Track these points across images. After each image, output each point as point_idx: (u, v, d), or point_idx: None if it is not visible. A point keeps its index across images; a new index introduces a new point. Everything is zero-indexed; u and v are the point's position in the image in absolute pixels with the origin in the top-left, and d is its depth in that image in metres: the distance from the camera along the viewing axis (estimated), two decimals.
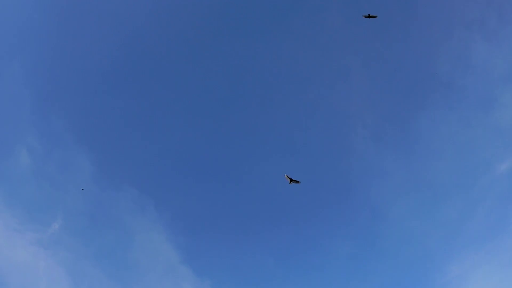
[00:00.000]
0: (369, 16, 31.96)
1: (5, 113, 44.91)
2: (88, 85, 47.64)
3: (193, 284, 51.25)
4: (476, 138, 74.35)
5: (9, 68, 44.89)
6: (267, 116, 51.73)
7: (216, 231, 56.97)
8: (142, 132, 49.33)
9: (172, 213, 50.83)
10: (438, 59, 57.45)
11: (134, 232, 46.91)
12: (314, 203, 59.57)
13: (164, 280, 47.67)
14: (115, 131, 48.28)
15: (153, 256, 46.97)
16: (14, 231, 42.36)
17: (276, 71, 52.53)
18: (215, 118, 51.56)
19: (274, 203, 57.37)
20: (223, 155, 51.66)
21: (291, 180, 25.32)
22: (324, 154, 59.26)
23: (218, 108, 51.48)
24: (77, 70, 47.33)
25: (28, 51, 46.30)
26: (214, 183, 52.47)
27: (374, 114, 60.80)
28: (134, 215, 47.38)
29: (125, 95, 48.91)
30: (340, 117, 56.38)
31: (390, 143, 70.25)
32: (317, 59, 52.39)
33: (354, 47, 54.22)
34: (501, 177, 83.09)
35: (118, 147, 48.44)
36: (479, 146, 77.52)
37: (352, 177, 65.23)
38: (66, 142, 46.66)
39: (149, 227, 47.35)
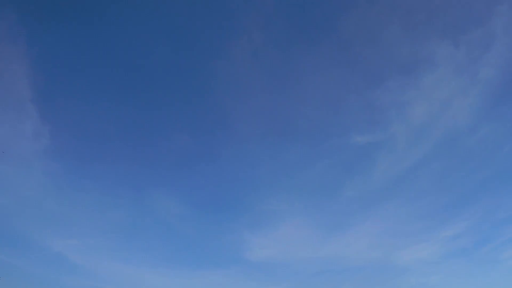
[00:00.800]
0: None
1: None
2: None
3: (34, 124, 50.50)
4: (355, 105, 77.17)
5: None
6: None
7: (75, 81, 56.52)
8: None
9: (40, 50, 49.64)
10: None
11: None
12: (164, 83, 61.07)
13: (9, 113, 47.53)
14: None
15: (6, 87, 46.18)
16: None
17: None
18: None
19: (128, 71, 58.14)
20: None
21: None
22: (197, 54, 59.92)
23: None
24: None
25: None
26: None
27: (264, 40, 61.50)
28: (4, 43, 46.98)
29: None
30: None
31: (270, 71, 71.77)
32: None
33: None
34: (357, 148, 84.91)
35: None
36: (351, 114, 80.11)
37: (216, 89, 66.27)
38: None
39: (15, 58, 46.91)
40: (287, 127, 75.43)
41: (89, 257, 56.74)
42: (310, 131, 77.14)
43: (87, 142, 63.20)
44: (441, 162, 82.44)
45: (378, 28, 72.15)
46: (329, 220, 78.02)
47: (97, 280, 55.26)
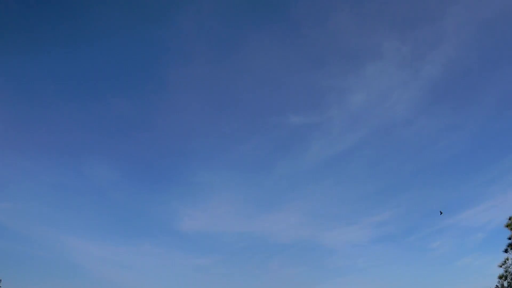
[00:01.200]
0: None
1: None
2: None
3: None
4: (295, 86, 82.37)
5: None
6: None
7: (13, 38, 55.75)
8: None
9: None
10: None
11: None
12: None
13: None
14: None
15: None
16: None
17: None
18: None
19: None
20: None
21: None
22: None
23: None
24: None
25: None
26: None
27: None
28: None
29: None
30: None
31: (215, 44, 74.24)
32: None
33: None
34: (293, 127, 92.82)
35: None
36: (291, 94, 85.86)
37: (158, 57, 68.41)
38: None
39: None
40: (226, 101, 74.54)
41: (21, 221, 54.65)
42: (248, 106, 77.11)
43: (23, 103, 58.45)
44: (375, 149, 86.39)
45: (327, 13, 71.51)
46: (260, 196, 79.81)
47: (28, 245, 53.45)
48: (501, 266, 20.19)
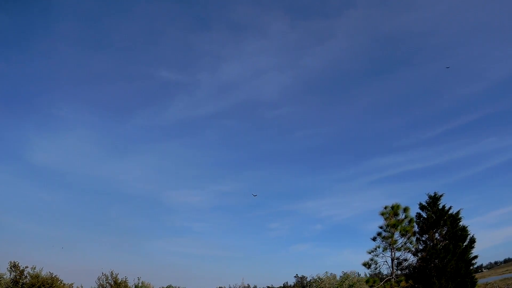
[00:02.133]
0: None
1: None
2: None
3: None
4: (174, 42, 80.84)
5: None
6: None
7: None
8: None
9: None
10: None
11: None
12: None
13: None
14: None
15: None
16: None
17: None
18: None
19: None
20: None
21: None
22: None
23: None
24: None
25: None
26: None
27: None
28: None
29: None
30: None
31: None
32: None
33: None
34: (161, 81, 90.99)
35: None
36: (168, 48, 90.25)
37: None
38: None
39: None
40: (102, 39, 74.32)
41: None
42: (122, 50, 76.77)
43: None
44: (236, 122, 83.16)
45: None
46: (114, 141, 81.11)
47: None
48: (370, 253, 19.96)
